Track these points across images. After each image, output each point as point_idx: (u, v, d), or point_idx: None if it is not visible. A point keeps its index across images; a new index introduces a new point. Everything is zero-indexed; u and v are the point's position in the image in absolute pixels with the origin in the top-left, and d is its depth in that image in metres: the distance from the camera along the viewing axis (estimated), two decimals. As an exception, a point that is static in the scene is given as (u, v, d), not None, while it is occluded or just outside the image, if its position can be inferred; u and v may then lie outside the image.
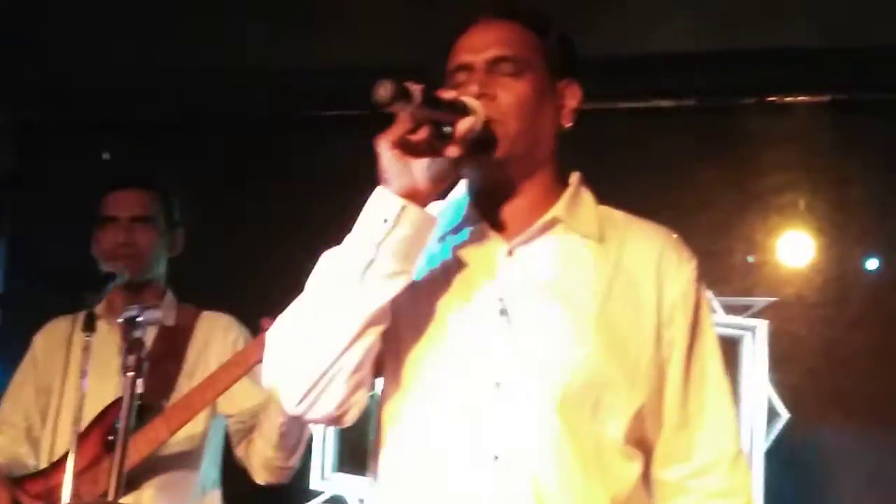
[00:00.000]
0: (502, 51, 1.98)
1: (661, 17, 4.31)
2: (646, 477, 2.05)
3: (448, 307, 1.96)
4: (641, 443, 2.02)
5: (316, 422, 1.98)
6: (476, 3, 2.08)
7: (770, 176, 4.74)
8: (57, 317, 3.42)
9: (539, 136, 2.01)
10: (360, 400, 1.93)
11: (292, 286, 2.00)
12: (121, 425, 2.45)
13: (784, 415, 4.66)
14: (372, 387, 1.96)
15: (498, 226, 2.01)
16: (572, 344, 1.93)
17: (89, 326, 2.92)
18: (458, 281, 1.97)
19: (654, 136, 4.69)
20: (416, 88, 1.79)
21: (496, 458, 1.90)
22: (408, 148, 1.85)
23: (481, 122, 1.89)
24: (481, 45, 1.99)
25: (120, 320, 2.74)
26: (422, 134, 1.85)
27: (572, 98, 2.07)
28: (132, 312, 2.70)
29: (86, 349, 2.87)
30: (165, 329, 3.26)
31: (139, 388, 2.53)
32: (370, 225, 1.86)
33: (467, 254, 2.00)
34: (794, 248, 4.78)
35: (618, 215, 2.10)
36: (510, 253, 1.99)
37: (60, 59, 4.72)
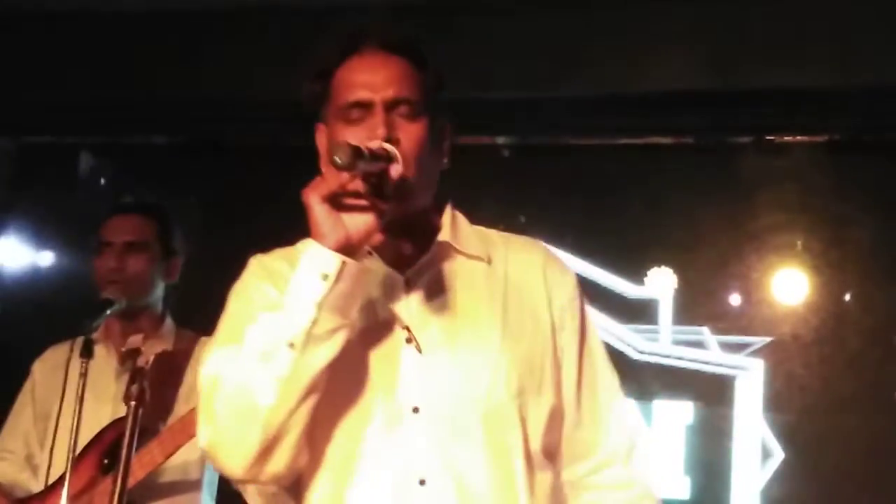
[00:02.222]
0: (401, 92, 1.94)
1: (660, 55, 4.34)
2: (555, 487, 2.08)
3: (354, 341, 1.92)
4: (552, 449, 2.05)
5: (262, 484, 1.93)
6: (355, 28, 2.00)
7: (767, 215, 4.76)
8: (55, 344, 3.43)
9: (432, 178, 2.02)
10: (305, 458, 1.91)
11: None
12: (123, 455, 2.42)
13: (779, 454, 4.66)
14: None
15: (388, 259, 2.00)
16: (482, 363, 1.96)
17: (87, 352, 2.92)
18: (361, 316, 1.94)
19: (651, 174, 4.72)
20: (361, 146, 1.78)
21: (422, 482, 1.91)
22: (337, 202, 1.82)
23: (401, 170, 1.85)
24: (379, 82, 1.94)
25: (123, 350, 2.72)
26: (356, 187, 1.81)
27: (448, 136, 2.06)
28: (135, 345, 2.71)
29: (83, 374, 2.88)
30: (164, 353, 3.25)
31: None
32: (308, 283, 1.82)
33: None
34: (791, 287, 4.80)
35: (493, 234, 2.14)
36: (407, 283, 1.99)
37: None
